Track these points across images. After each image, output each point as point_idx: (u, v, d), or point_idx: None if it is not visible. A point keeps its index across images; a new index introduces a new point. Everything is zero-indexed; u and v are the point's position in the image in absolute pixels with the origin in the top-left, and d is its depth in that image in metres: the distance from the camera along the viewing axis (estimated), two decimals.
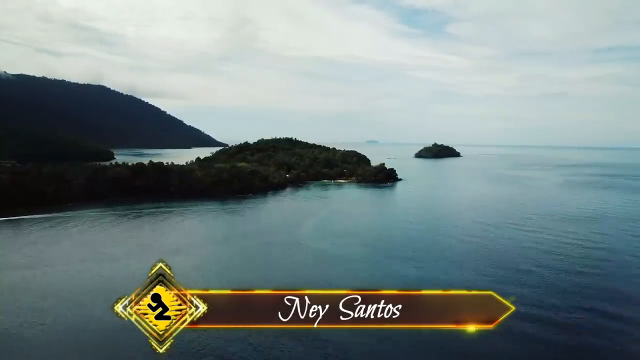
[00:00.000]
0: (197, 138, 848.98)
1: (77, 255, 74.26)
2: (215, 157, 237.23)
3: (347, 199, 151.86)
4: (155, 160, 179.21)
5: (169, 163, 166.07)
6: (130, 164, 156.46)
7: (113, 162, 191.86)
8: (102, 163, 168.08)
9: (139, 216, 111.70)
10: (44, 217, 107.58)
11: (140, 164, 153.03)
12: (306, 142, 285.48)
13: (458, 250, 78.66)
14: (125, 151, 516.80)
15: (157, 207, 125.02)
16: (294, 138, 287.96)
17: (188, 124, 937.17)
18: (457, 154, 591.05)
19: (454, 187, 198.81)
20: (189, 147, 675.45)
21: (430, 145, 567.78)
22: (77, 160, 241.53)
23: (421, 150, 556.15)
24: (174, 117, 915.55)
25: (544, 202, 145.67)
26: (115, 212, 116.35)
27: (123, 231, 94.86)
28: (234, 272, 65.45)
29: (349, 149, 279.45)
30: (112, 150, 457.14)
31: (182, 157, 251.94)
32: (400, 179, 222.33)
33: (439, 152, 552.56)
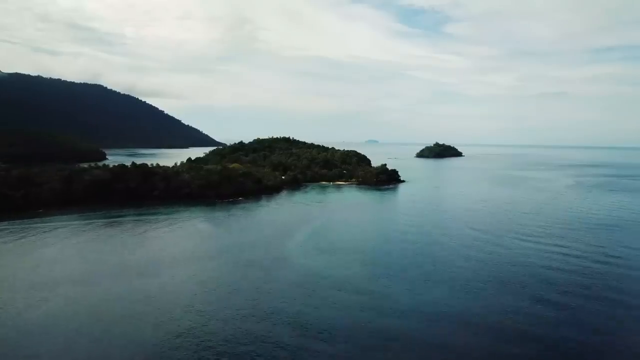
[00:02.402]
0: (195, 138, 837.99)
1: (30, 276, 62.52)
2: (207, 157, 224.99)
3: (346, 205, 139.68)
4: (150, 160, 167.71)
5: (154, 164, 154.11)
6: (112, 165, 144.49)
7: (103, 163, 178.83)
8: (81, 164, 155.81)
9: (114, 225, 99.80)
10: (7, 226, 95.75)
11: (122, 166, 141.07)
12: (304, 142, 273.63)
13: (466, 272, 66.27)
14: (120, 151, 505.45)
15: (138, 214, 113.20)
16: (291, 137, 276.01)
17: (186, 124, 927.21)
18: (459, 154, 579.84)
19: (460, 190, 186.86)
20: (187, 147, 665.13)
21: (432, 145, 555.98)
22: (67, 161, 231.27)
23: (423, 150, 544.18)
24: (172, 117, 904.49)
25: (557, 207, 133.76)
26: (90, 220, 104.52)
27: (91, 244, 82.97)
28: (205, 305, 53.51)
29: (349, 149, 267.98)
30: (106, 150, 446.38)
31: (177, 157, 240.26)
32: (403, 181, 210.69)
33: (441, 151, 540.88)
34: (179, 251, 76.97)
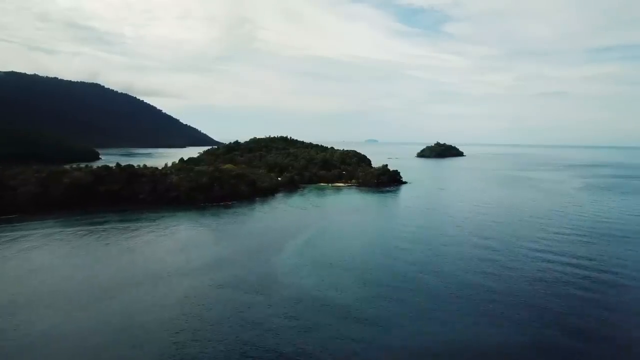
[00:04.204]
0: (194, 137, 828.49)
1: None
2: (201, 158, 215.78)
3: (346, 209, 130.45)
4: (145, 160, 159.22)
5: (146, 165, 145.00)
6: (96, 166, 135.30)
7: (86, 163, 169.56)
8: (71, 165, 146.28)
9: (92, 233, 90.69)
10: None
11: (106, 167, 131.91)
12: (302, 142, 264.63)
13: (472, 298, 56.73)
14: (116, 151, 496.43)
15: (120, 221, 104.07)
16: (289, 137, 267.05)
17: (185, 123, 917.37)
18: (461, 154, 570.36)
19: (465, 192, 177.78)
20: (184, 147, 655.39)
21: (433, 145, 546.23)
22: (57, 161, 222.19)
23: (424, 150, 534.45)
24: (170, 116, 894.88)
25: (570, 213, 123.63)
26: (66, 228, 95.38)
27: (62, 255, 74.31)
28: (174, 336, 44.56)
29: (349, 149, 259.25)
30: (102, 149, 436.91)
31: (173, 157, 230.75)
32: (405, 182, 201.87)
33: (442, 151, 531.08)
34: (155, 266, 67.80)
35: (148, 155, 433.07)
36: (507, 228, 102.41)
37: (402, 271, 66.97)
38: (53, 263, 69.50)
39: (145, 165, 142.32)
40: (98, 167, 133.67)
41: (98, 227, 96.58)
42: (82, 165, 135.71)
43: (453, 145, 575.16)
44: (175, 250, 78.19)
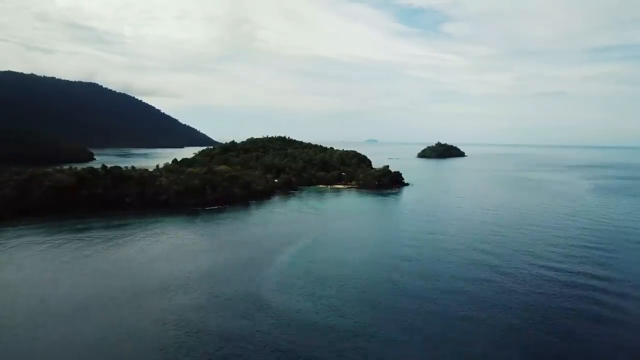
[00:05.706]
0: (192, 137, 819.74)
1: None
2: (194, 158, 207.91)
3: (345, 214, 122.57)
4: (141, 160, 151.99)
5: (135, 166, 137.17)
6: (79, 168, 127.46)
7: (68, 165, 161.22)
8: (42, 168, 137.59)
9: (71, 242, 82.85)
10: None
11: (90, 169, 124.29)
12: (301, 142, 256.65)
13: (480, 328, 50.02)
14: (112, 151, 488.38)
15: (103, 228, 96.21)
16: (287, 137, 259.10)
17: (183, 123, 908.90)
18: (462, 154, 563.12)
19: (469, 195, 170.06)
20: (182, 147, 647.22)
21: (434, 145, 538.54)
22: (51, 162, 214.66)
23: (425, 150, 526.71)
24: (168, 116, 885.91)
25: (585, 220, 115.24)
26: (44, 236, 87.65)
27: (30, 266, 66.70)
28: None
29: (348, 149, 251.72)
30: (99, 150, 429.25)
31: (170, 157, 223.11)
32: (407, 184, 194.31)
33: (443, 151, 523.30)
34: (127, 283, 60.07)
35: (144, 155, 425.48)
36: (514, 239, 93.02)
37: (405, 288, 59.34)
38: (25, 275, 61.79)
39: (133, 167, 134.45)
40: (82, 168, 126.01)
41: (76, 234, 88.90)
42: (66, 167, 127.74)
43: (454, 145, 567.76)
44: (154, 263, 70.24)
